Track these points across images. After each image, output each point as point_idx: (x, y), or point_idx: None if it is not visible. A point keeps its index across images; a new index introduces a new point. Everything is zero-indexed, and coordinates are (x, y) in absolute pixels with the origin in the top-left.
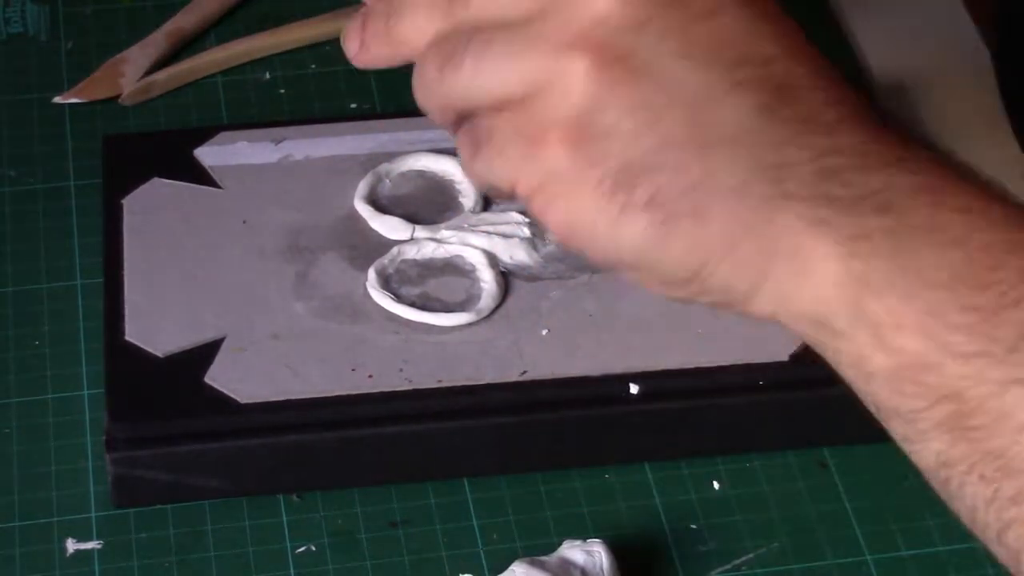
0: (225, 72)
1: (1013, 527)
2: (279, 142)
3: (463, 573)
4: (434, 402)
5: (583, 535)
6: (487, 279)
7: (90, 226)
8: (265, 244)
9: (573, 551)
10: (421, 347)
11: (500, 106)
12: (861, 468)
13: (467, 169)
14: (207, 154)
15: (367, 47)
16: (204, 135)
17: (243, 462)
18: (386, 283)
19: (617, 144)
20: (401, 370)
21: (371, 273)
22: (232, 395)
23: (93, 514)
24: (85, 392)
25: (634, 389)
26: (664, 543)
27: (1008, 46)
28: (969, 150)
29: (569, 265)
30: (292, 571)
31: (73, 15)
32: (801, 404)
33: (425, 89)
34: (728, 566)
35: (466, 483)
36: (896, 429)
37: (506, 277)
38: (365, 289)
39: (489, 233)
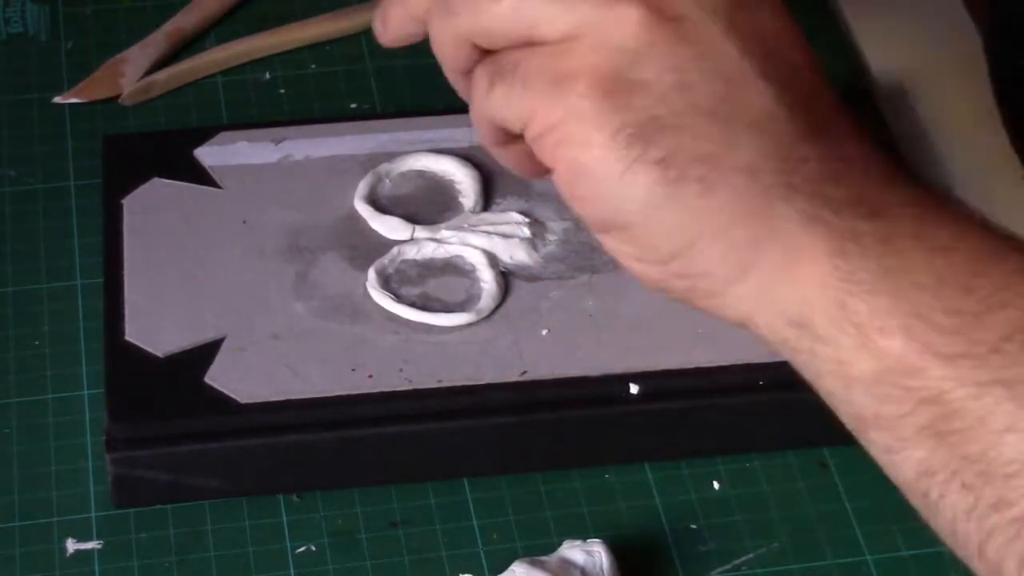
0: (225, 72)
1: (994, 535)
2: (279, 142)
3: (463, 573)
4: (434, 402)
5: (583, 535)
6: (487, 279)
7: (90, 226)
8: (265, 244)
9: (573, 551)
10: (421, 347)
11: (535, 43)
12: (861, 468)
13: (478, 106)
14: (207, 154)
15: (387, 21)
16: (204, 135)
17: (243, 462)
18: (386, 283)
19: (647, 99)
20: (401, 370)
21: (371, 273)
22: (232, 395)
23: (93, 514)
24: (85, 392)
25: (634, 389)
26: (664, 543)
27: (998, 40)
28: (965, 150)
29: (569, 265)
30: (292, 571)
31: (73, 15)
32: (801, 404)
33: (447, 17)
34: (728, 566)
35: (466, 483)
36: (876, 440)
37: (506, 277)
38: (365, 289)
39: (489, 233)
